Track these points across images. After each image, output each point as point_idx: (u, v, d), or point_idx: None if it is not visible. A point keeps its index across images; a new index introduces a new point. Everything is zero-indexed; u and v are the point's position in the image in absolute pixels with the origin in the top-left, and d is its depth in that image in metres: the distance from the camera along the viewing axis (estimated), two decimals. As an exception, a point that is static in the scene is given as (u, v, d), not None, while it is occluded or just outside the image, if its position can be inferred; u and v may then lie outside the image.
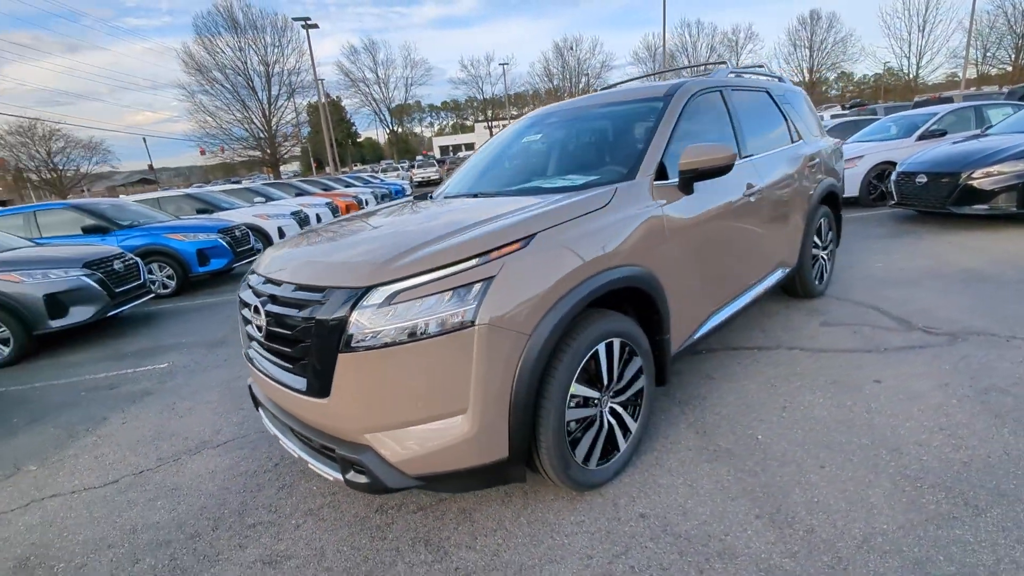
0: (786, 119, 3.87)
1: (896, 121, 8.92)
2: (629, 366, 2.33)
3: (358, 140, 59.46)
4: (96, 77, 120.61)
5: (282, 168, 41.21)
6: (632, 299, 2.40)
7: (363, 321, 1.78)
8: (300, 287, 2.01)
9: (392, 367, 1.79)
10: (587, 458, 2.18)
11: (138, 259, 6.44)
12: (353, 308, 1.80)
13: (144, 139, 43.58)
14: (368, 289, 1.82)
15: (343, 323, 1.80)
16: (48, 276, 5.19)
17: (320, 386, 1.88)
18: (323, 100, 36.27)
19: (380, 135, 62.70)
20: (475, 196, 2.93)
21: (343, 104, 56.39)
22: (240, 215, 9.88)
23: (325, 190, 15.98)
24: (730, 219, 2.95)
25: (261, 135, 38.02)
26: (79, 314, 5.31)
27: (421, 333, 1.77)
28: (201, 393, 3.83)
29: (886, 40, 57.61)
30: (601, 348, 2.15)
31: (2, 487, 2.88)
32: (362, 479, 1.90)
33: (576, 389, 2.07)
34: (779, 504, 2.04)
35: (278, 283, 2.13)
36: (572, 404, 2.06)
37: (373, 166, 45.79)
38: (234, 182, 27.46)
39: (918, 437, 2.34)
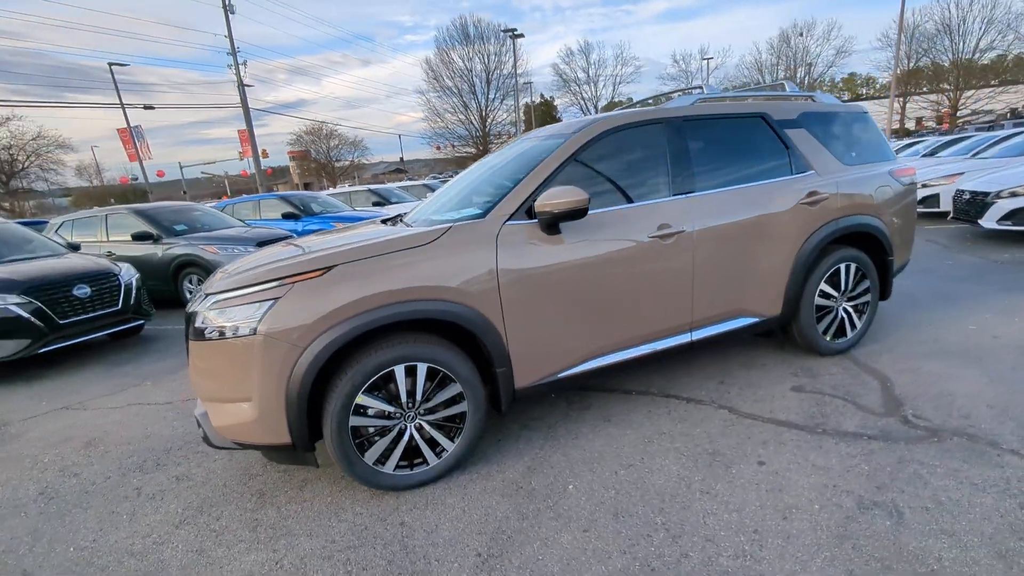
0: (787, 147, 3.29)
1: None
2: (444, 390, 2.50)
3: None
4: (378, 85, 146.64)
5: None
6: (453, 330, 2.54)
7: (199, 318, 2.38)
8: None
9: (210, 354, 2.36)
10: (381, 461, 2.45)
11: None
12: (197, 307, 2.42)
13: (399, 136, 52.31)
14: (207, 295, 2.42)
15: (193, 317, 2.43)
16: None
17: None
18: (531, 101, 38.53)
19: (588, 132, 63.65)
20: (405, 223, 3.27)
21: (555, 103, 59.00)
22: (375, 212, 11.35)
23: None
24: (626, 261, 2.78)
25: (477, 134, 42.25)
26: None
27: (224, 334, 2.29)
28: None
29: None
30: (399, 369, 2.39)
31: (122, 391, 4.31)
32: (201, 433, 2.54)
33: (364, 400, 2.36)
34: (503, 551, 2.05)
35: None
36: (359, 412, 2.36)
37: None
38: (436, 177, 30.87)
39: (715, 532, 2.03)
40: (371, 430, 2.41)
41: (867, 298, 3.57)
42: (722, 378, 3.38)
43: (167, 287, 7.34)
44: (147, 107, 34.04)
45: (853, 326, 3.56)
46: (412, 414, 2.48)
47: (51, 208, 40.25)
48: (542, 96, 61.29)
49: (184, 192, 41.66)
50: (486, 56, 40.98)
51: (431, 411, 2.51)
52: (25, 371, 5.03)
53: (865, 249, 3.57)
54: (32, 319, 4.78)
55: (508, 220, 2.60)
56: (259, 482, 2.72)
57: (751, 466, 2.42)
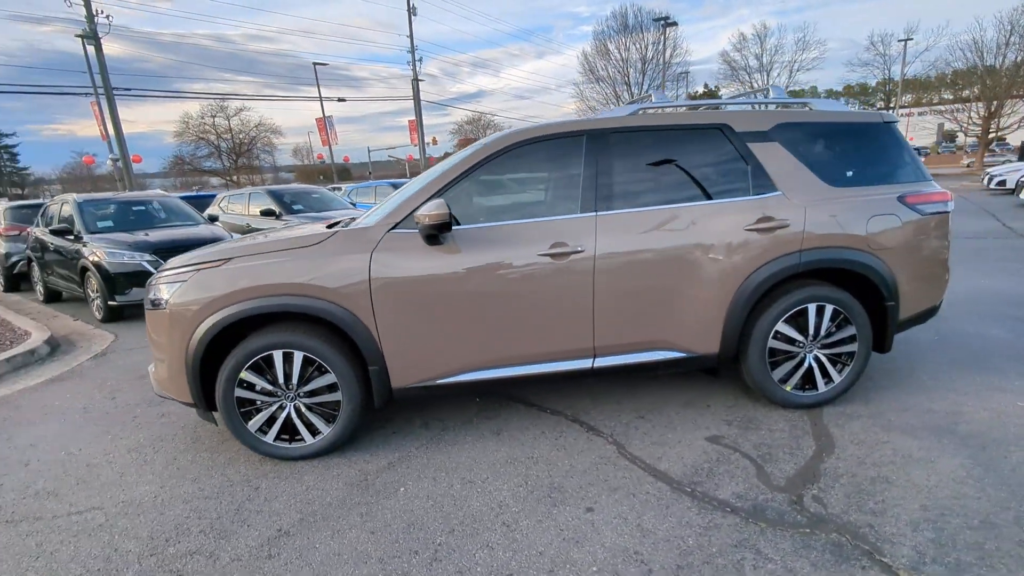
0: (747, 164, 2.80)
1: None
2: (321, 378, 2.71)
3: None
4: (549, 76, 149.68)
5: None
6: (331, 326, 2.73)
7: (149, 291, 2.91)
8: None
9: (149, 320, 2.88)
10: (263, 431, 2.76)
11: None
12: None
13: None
14: (154, 275, 2.95)
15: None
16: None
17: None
18: (691, 91, 36.17)
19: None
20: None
21: (720, 94, 54.44)
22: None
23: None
24: (512, 277, 2.68)
25: (627, 125, 41.09)
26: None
27: (154, 305, 2.79)
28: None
29: None
30: (277, 354, 2.67)
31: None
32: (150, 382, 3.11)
33: (247, 376, 2.68)
34: (299, 532, 2.22)
35: None
36: (243, 386, 2.70)
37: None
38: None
39: (471, 567, 1.95)
40: (257, 403, 2.74)
41: (851, 348, 2.90)
42: (645, 412, 3.06)
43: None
44: (340, 100, 39.45)
45: (829, 378, 2.94)
46: (292, 395, 2.74)
47: (282, 181, 49.30)
48: (706, 86, 57.15)
49: (370, 173, 47.60)
50: (644, 45, 39.36)
51: (310, 395, 2.75)
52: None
53: (852, 289, 2.91)
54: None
55: (393, 228, 2.69)
56: (205, 431, 3.23)
57: (577, 510, 2.23)
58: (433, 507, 2.32)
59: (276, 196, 9.14)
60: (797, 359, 2.91)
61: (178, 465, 2.83)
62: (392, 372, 2.74)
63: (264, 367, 2.69)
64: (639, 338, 2.82)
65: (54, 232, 6.86)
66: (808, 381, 2.94)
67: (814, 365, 2.91)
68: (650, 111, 2.95)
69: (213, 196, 10.94)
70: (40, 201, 9.84)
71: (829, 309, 2.83)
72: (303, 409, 2.75)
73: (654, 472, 2.47)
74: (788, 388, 2.93)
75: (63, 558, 2.14)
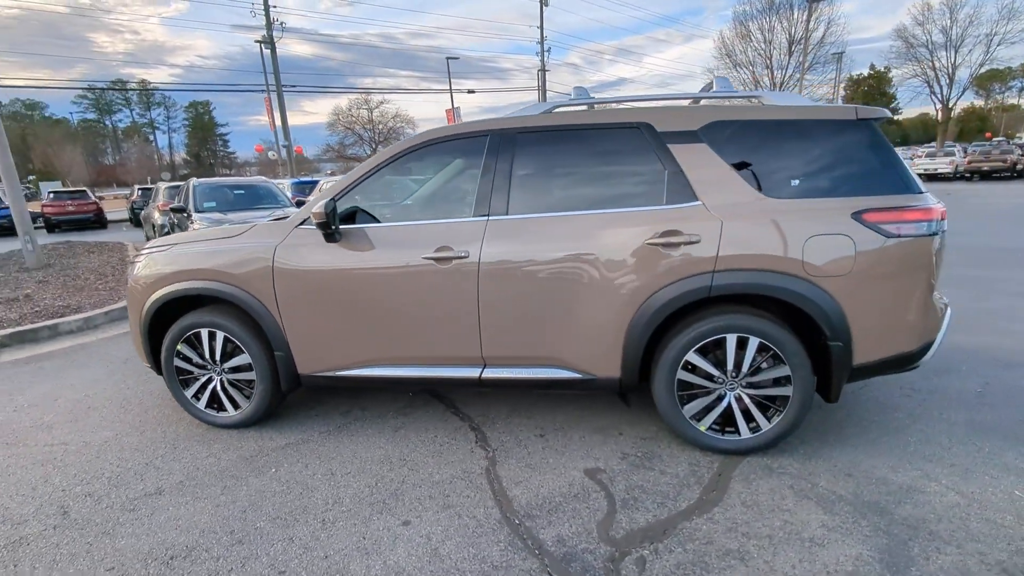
0: (664, 168, 2.41)
1: None
2: (239, 358, 2.95)
3: (895, 118, 48.23)
4: (692, 62, 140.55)
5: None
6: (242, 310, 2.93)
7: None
8: None
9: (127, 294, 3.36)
10: (197, 397, 3.09)
11: None
12: None
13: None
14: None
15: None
16: None
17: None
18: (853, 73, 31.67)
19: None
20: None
21: (890, 76, 46.48)
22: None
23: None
24: (397, 279, 2.64)
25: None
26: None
27: (128, 281, 3.25)
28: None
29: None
30: (203, 332, 2.96)
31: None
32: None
33: (183, 348, 3.02)
34: (145, 488, 2.47)
35: None
36: (180, 358, 3.03)
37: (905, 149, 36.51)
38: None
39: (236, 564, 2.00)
40: (193, 373, 3.06)
41: (784, 391, 2.39)
42: (549, 431, 2.84)
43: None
44: (469, 91, 41.01)
45: (755, 423, 2.46)
46: (218, 370, 3.02)
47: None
48: (872, 67, 49.38)
49: None
50: (792, 24, 35.07)
51: (232, 371, 3.00)
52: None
53: (791, 323, 2.38)
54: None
55: (301, 224, 2.81)
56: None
57: (393, 522, 2.16)
58: (282, 492, 2.42)
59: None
60: (714, 395, 2.48)
61: (144, 418, 3.28)
62: (297, 359, 2.88)
63: (195, 343, 3.00)
64: (530, 353, 2.62)
65: (173, 210, 8.20)
66: (729, 423, 2.49)
67: (734, 405, 2.46)
68: (564, 110, 2.68)
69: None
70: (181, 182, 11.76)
71: (754, 343, 2.36)
72: (227, 384, 3.02)
73: (500, 497, 2.30)
74: (702, 427, 2.51)
75: (17, 478, 2.62)
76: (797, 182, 2.35)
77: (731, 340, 2.38)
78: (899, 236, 2.24)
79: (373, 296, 2.70)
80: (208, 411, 3.09)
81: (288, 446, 2.85)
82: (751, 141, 2.41)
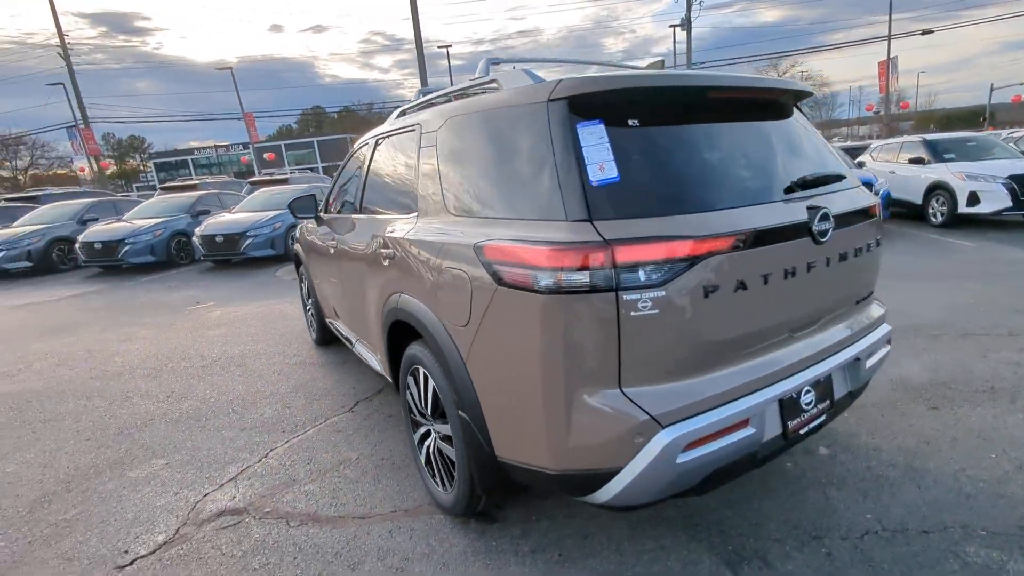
0: (411, 171, 2.18)
1: None
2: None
3: None
4: None
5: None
6: None
7: None
8: None
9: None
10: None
11: None
12: None
13: None
14: None
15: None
16: None
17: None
18: None
19: None
20: None
21: None
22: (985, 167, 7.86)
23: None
24: (332, 257, 3.23)
25: None
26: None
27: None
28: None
29: None
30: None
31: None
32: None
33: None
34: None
35: None
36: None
37: None
38: None
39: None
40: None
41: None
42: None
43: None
44: (924, 32, 30.87)
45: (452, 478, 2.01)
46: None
47: (857, 136, 44.55)
48: None
49: (983, 120, 35.08)
50: None
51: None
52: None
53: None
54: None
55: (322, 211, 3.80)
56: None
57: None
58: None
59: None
60: (423, 430, 2.18)
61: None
62: (323, 307, 3.99)
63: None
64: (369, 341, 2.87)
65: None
66: (444, 467, 2.12)
67: (437, 450, 2.09)
68: (406, 110, 2.65)
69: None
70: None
71: (422, 375, 2.00)
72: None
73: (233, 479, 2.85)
74: (431, 475, 2.19)
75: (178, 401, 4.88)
76: (469, 194, 1.77)
77: (414, 374, 2.08)
78: (514, 285, 1.44)
79: (329, 270, 3.56)
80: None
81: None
82: (457, 139, 1.91)
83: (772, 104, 1.85)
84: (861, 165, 9.16)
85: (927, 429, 2.45)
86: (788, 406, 1.62)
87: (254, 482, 2.44)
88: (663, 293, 1.33)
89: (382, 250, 2.25)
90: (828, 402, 1.74)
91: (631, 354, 1.36)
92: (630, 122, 1.50)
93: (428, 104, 2.41)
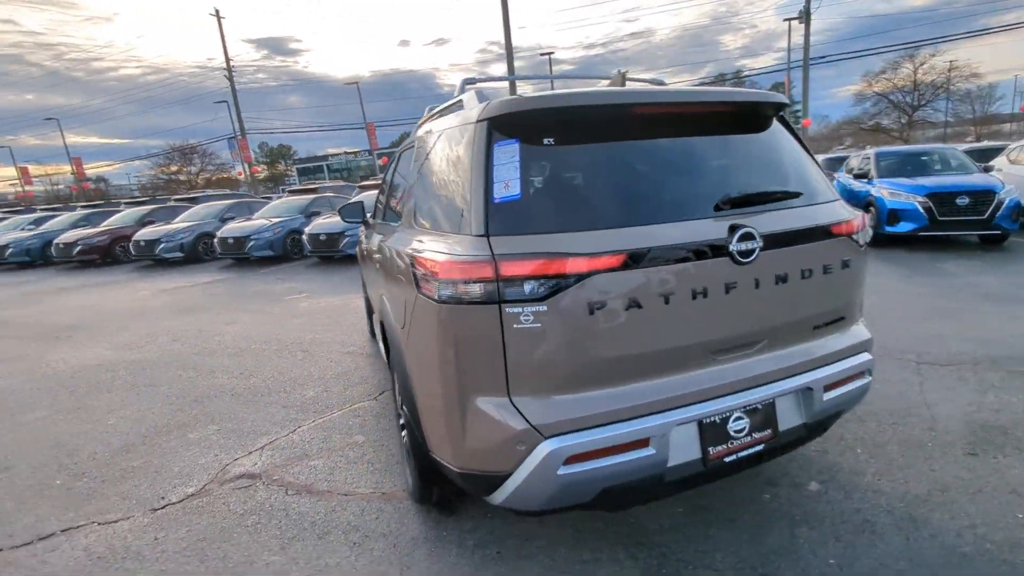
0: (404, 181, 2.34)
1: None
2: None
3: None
4: None
5: None
6: None
7: None
8: None
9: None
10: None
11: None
12: None
13: None
14: None
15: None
16: None
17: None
18: None
19: None
20: None
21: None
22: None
23: None
24: (365, 257, 3.67)
25: None
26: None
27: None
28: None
29: None
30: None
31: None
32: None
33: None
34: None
35: None
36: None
37: None
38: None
39: None
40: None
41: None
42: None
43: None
44: None
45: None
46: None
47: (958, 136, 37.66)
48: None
49: None
50: None
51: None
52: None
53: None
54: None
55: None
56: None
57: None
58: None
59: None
60: (401, 420, 2.35)
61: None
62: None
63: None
64: None
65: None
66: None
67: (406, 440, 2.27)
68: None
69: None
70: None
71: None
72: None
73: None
74: (407, 460, 2.44)
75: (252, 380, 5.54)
76: (427, 205, 1.90)
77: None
78: (421, 291, 1.56)
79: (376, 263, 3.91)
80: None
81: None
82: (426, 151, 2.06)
83: (728, 116, 1.76)
84: (988, 169, 8.13)
85: (949, 476, 2.12)
86: (710, 430, 1.55)
87: (275, 453, 2.82)
88: (544, 308, 1.38)
89: (375, 255, 2.50)
90: (769, 431, 1.63)
91: (517, 365, 1.42)
92: (545, 141, 1.55)
93: (427, 120, 2.60)
